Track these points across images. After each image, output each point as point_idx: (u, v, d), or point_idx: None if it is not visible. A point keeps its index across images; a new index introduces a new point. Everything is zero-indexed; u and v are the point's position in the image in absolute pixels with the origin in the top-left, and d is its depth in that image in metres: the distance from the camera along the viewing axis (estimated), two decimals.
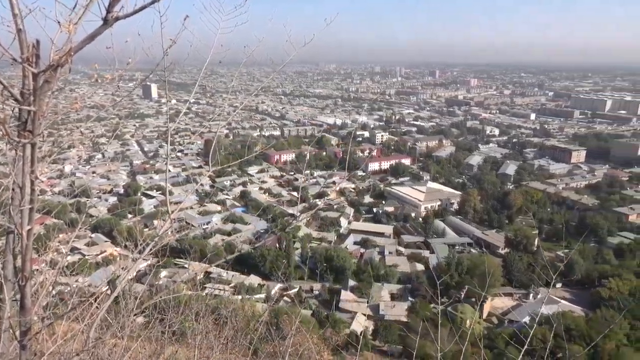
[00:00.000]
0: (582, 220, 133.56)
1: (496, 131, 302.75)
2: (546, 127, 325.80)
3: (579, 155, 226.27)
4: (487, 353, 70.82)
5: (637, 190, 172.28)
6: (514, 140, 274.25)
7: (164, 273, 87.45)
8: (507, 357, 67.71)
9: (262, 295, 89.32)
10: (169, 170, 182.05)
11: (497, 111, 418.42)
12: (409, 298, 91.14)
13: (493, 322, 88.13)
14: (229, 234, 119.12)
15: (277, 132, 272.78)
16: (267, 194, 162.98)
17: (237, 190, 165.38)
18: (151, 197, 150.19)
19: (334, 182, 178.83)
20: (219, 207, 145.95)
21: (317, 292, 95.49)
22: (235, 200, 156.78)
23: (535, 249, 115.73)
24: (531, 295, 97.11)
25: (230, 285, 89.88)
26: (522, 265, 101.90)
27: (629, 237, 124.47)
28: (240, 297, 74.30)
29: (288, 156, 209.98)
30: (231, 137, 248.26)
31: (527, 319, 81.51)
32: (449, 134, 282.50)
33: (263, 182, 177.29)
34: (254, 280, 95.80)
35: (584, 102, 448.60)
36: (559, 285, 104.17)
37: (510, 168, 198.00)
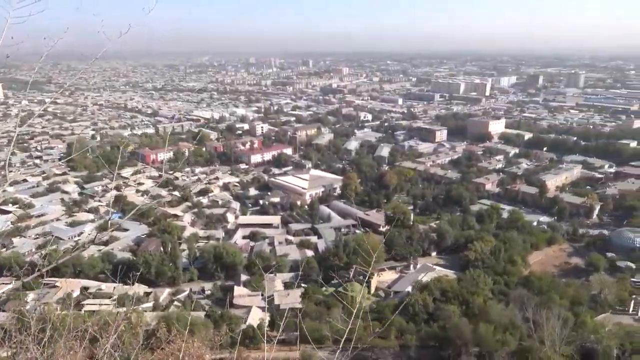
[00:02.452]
0: (449, 193, 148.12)
1: (369, 116, 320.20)
2: (412, 110, 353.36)
3: (441, 134, 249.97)
4: (377, 324, 75.54)
5: (490, 162, 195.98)
6: (386, 124, 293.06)
7: (31, 296, 78.14)
8: (394, 326, 73.13)
9: (150, 304, 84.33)
10: (26, 180, 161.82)
11: (369, 97, 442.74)
12: (302, 284, 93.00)
13: (380, 296, 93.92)
14: (105, 244, 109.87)
15: (150, 130, 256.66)
16: (145, 196, 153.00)
17: (111, 195, 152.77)
18: (6, 212, 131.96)
19: (216, 178, 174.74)
20: (91, 216, 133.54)
21: (209, 292, 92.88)
22: (109, 206, 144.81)
23: (411, 223, 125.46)
24: (411, 266, 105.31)
25: (112, 299, 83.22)
26: (401, 240, 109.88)
27: (487, 203, 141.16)
28: (125, 309, 69.12)
29: (165, 154, 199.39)
30: (98, 138, 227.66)
31: (409, 288, 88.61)
32: (326, 121, 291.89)
33: (140, 183, 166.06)
34: (139, 289, 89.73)
35: (442, 86, 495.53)
36: (434, 253, 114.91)
37: (385, 150, 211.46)
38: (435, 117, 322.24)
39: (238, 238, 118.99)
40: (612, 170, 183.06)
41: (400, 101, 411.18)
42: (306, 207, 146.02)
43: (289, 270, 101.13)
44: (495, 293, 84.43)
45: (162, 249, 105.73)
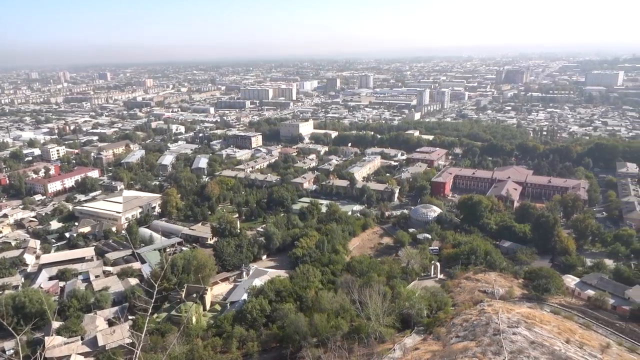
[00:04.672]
0: (271, 196, 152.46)
1: (182, 128, 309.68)
2: (225, 118, 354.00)
3: (257, 140, 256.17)
4: (218, 340, 73.60)
5: (304, 162, 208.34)
6: (200, 134, 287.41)
7: None
8: (235, 336, 72.19)
9: None
10: None
11: (179, 109, 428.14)
12: (129, 316, 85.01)
13: (217, 309, 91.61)
14: None
15: None
16: None
17: None
18: None
19: (5, 215, 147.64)
20: None
21: (11, 352, 77.77)
22: None
23: (239, 230, 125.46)
24: (244, 273, 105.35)
25: None
26: (231, 249, 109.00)
27: (307, 201, 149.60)
28: None
29: None
30: None
31: (245, 296, 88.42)
32: (135, 137, 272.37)
33: None
34: None
35: (251, 93, 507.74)
36: (264, 257, 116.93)
37: (202, 161, 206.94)
38: (249, 123, 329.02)
39: (43, 281, 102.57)
40: (404, 157, 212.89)
41: (212, 110, 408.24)
42: (123, 232, 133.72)
43: (112, 305, 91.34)
44: (324, 283, 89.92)
45: None
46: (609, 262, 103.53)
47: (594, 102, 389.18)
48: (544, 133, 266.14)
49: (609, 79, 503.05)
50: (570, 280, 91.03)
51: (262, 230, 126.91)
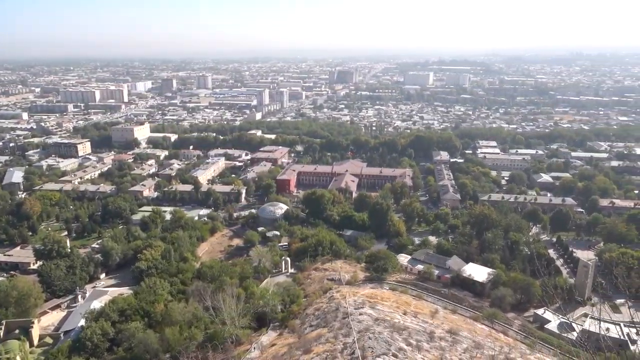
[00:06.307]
0: (106, 208, 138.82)
1: None
2: (43, 124, 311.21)
3: (84, 147, 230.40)
4: None
5: (143, 168, 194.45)
6: (12, 144, 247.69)
7: None
8: None
9: None
10: None
11: None
12: None
13: (49, 343, 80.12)
14: None
15: None
16: None
17: None
18: None
19: None
20: None
21: None
22: None
23: (69, 250, 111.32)
24: (79, 296, 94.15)
25: None
26: (60, 272, 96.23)
27: (148, 210, 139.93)
28: None
29: None
30: None
31: (82, 322, 78.93)
32: None
33: None
34: None
35: (74, 95, 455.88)
36: (102, 275, 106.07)
37: (17, 175, 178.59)
38: (73, 129, 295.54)
39: None
40: (248, 157, 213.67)
41: (25, 116, 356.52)
42: None
43: None
44: (174, 294, 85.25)
45: None
46: (432, 239, 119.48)
47: (412, 100, 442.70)
48: (374, 128, 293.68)
49: (422, 79, 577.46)
50: (404, 259, 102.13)
51: (97, 246, 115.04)
